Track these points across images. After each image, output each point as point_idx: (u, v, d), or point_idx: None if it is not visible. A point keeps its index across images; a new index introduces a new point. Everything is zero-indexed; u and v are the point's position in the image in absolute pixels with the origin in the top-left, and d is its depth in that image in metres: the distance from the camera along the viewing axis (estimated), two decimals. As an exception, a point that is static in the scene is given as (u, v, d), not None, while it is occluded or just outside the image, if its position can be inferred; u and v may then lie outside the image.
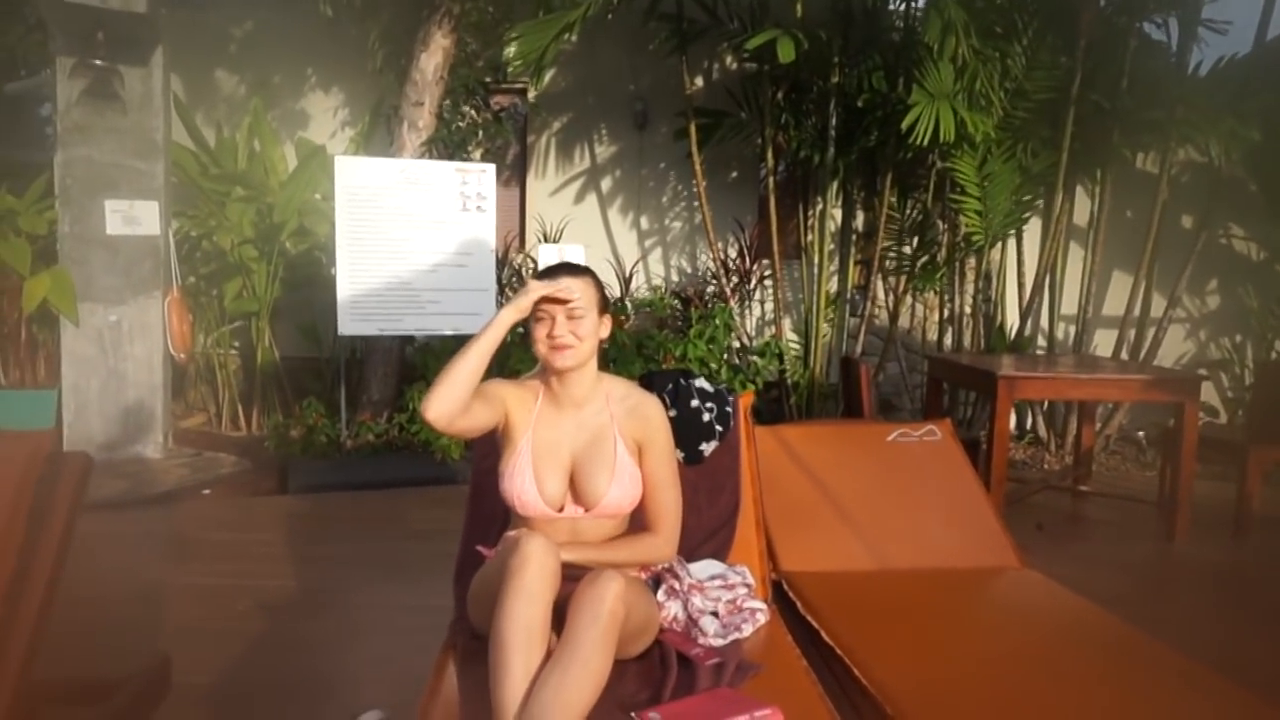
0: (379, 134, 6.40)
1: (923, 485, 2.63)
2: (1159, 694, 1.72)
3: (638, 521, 1.89)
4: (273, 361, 6.16)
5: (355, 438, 5.12)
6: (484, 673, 1.57)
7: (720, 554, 2.12)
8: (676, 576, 1.88)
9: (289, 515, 4.09)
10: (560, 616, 1.58)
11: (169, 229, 5.31)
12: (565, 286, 1.77)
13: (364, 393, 5.58)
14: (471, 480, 2.19)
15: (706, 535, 2.15)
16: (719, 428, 2.31)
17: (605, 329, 1.88)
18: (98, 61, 4.77)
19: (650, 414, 1.89)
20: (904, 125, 4.63)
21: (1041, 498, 4.63)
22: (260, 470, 4.86)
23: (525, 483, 1.79)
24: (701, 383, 2.37)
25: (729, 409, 2.35)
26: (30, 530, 1.37)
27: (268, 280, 6.01)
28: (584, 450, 1.84)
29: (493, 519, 2.09)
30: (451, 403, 1.66)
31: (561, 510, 1.82)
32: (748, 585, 1.98)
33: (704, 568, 1.99)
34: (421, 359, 5.50)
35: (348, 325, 4.79)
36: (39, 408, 5.31)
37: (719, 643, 1.77)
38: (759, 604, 1.94)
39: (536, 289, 1.75)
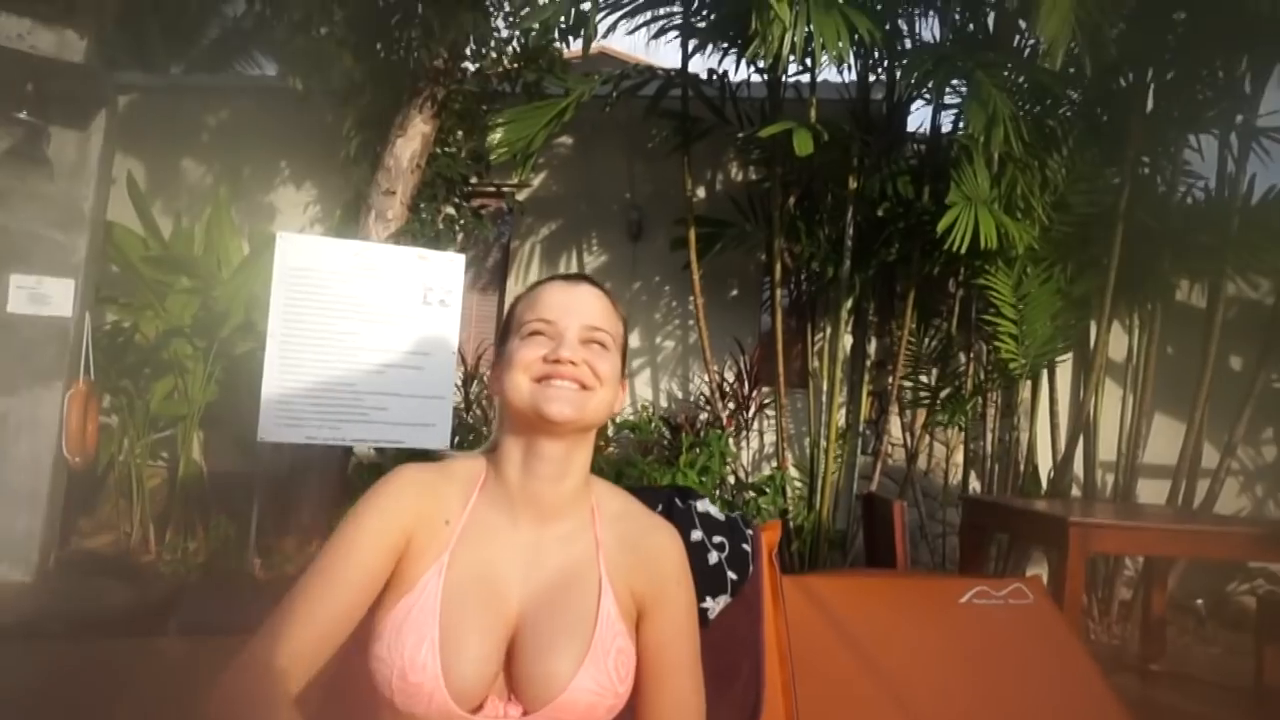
0: (350, 230, 5.84)
1: (1020, 671, 1.82)
2: None
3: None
4: (200, 475, 5.37)
5: (271, 568, 4.24)
6: None
7: (733, 787, 1.29)
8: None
9: (153, 666, 3.18)
10: None
11: (86, 313, 4.61)
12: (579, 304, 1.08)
13: (293, 515, 4.72)
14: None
15: (712, 752, 1.32)
16: (732, 575, 1.52)
17: (620, 401, 1.13)
18: (23, 115, 4.19)
19: (664, 550, 1.14)
20: (940, 228, 4.04)
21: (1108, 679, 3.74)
22: (146, 603, 3.95)
23: (420, 650, 0.96)
24: (706, 505, 1.60)
25: (746, 546, 1.57)
26: None
27: (204, 381, 5.29)
28: (542, 598, 1.04)
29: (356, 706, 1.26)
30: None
31: (480, 710, 0.99)
32: None
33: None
34: (363, 478, 4.68)
35: (271, 430, 3.99)
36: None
37: None
38: None
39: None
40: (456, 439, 4.44)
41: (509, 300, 6.16)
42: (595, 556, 1.07)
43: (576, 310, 1.07)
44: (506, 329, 1.11)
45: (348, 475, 4.91)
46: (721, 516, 1.60)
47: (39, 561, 4.30)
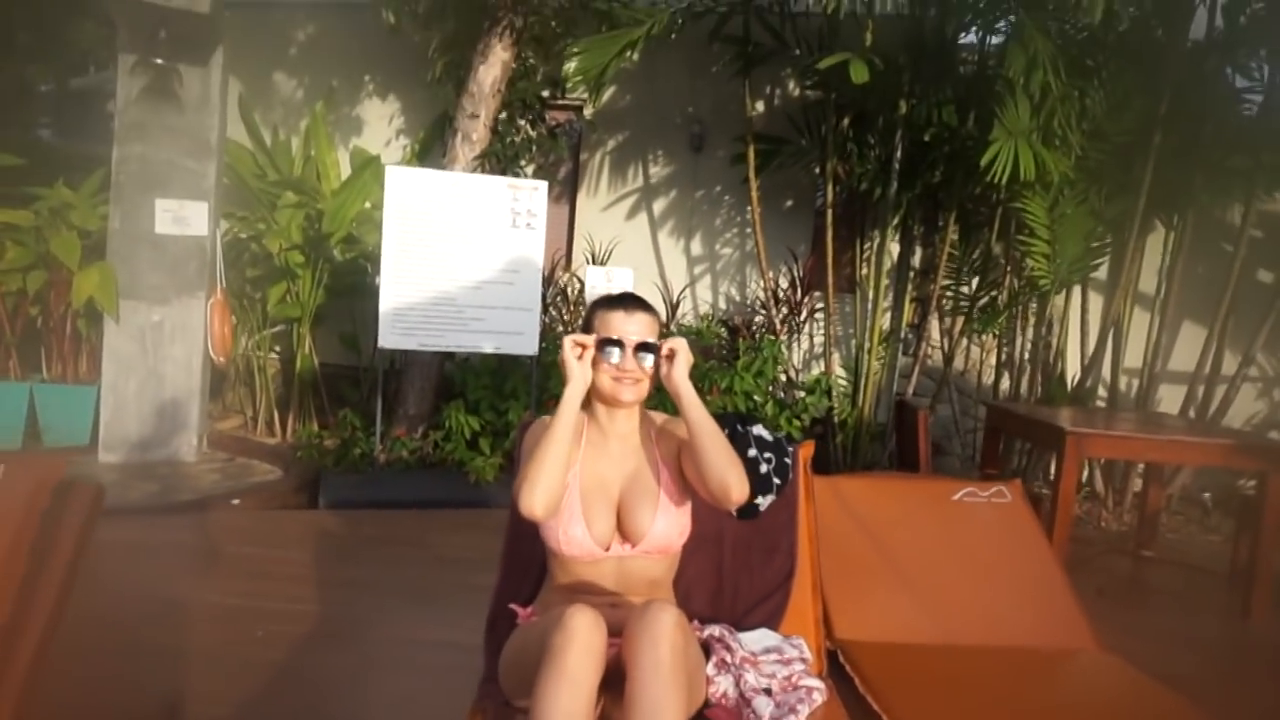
0: (437, 146, 6.34)
1: (991, 552, 2.43)
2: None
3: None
4: (312, 368, 6.11)
5: (389, 452, 5.02)
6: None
7: (773, 620, 1.95)
8: (728, 648, 1.71)
9: (317, 532, 3.99)
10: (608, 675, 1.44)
11: (217, 230, 5.28)
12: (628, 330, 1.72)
13: (400, 407, 5.47)
14: (509, 523, 2.04)
15: (759, 599, 1.98)
16: (777, 480, 2.14)
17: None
18: (158, 60, 4.76)
19: (678, 422, 1.79)
20: (982, 162, 4.43)
21: (1102, 561, 4.36)
22: (291, 481, 4.77)
23: (573, 522, 1.69)
24: (760, 430, 2.21)
25: (788, 460, 2.19)
26: (31, 565, 1.25)
27: (312, 286, 5.96)
28: (630, 482, 1.75)
29: (530, 567, 1.95)
30: (554, 494, 1.62)
31: (608, 549, 1.71)
32: (804, 660, 1.80)
33: (758, 639, 1.82)
34: (460, 376, 5.39)
35: (389, 338, 4.70)
36: (79, 403, 5.29)
37: (773, 728, 1.60)
38: (816, 682, 1.76)
39: (578, 340, 1.71)
40: (544, 345, 5.07)
41: (580, 208, 6.72)
42: (653, 448, 1.79)
43: (631, 331, 1.71)
44: (589, 324, 1.77)
45: (445, 372, 5.61)
46: (771, 438, 2.22)
47: (197, 444, 5.15)
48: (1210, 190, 5.21)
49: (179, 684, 2.28)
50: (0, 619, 1.18)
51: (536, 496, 1.58)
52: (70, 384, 5.40)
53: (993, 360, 6.21)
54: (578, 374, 1.68)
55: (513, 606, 1.79)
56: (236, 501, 4.32)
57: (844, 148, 5.78)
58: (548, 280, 6.17)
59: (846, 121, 5.80)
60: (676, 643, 1.38)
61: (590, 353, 1.70)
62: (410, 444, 5.08)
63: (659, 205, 6.83)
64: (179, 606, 2.98)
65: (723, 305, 6.77)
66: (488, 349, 4.94)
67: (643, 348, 1.70)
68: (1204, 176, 5.10)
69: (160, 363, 5.10)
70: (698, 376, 5.33)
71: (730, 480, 1.63)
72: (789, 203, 6.67)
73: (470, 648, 1.95)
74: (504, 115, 5.75)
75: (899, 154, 5.43)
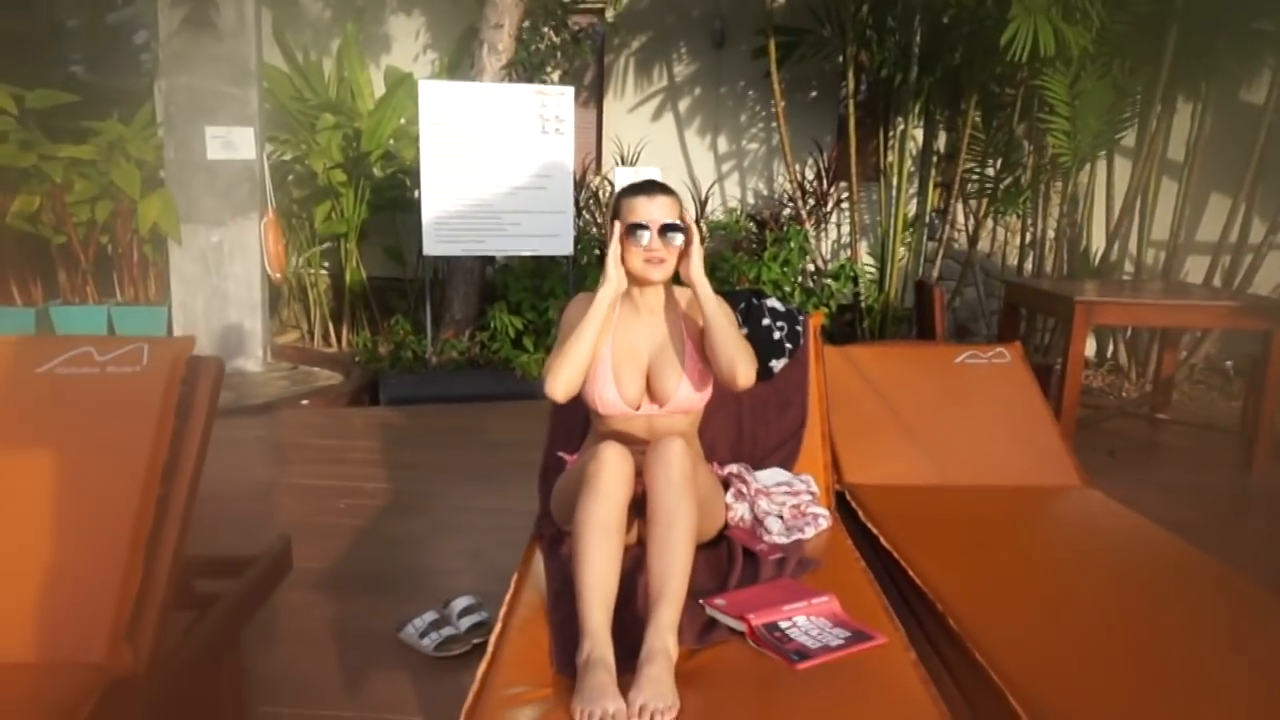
0: (465, 60, 6.47)
1: (989, 405, 2.68)
2: (1201, 604, 1.79)
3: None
4: (360, 281, 6.44)
5: (440, 354, 5.37)
6: (564, 561, 1.75)
7: (787, 464, 2.24)
8: (744, 481, 2.01)
9: (381, 425, 4.37)
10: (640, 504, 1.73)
11: (264, 154, 5.55)
12: (653, 209, 1.87)
13: (447, 311, 5.80)
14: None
15: (774, 446, 2.27)
16: (789, 345, 2.41)
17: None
18: (195, -11, 4.96)
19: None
20: (1002, 41, 4.48)
21: (1116, 424, 4.59)
22: (352, 383, 5.16)
23: (605, 385, 1.92)
24: (773, 302, 2.46)
25: (799, 328, 2.44)
26: (179, 421, 1.57)
27: (355, 203, 6.23)
28: (658, 351, 1.96)
29: (574, 425, 2.25)
30: (575, 383, 1.85)
31: (638, 409, 1.95)
32: (812, 493, 2.10)
33: (771, 475, 2.11)
34: (501, 279, 5.68)
35: (433, 246, 4.99)
36: (153, 323, 5.70)
37: (782, 540, 1.91)
38: (822, 510, 2.06)
39: (614, 238, 1.87)
40: (579, 245, 5.32)
41: (607, 112, 6.85)
42: (680, 323, 1.97)
43: (656, 215, 1.87)
44: (617, 211, 1.92)
45: (487, 278, 5.91)
46: (783, 308, 2.47)
47: (263, 355, 5.56)
48: (1236, 55, 5.18)
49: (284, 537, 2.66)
50: (163, 459, 1.51)
51: (559, 384, 1.82)
52: (143, 305, 5.81)
53: (1018, 241, 6.31)
54: (614, 280, 1.86)
55: (560, 454, 2.10)
56: (305, 402, 4.72)
57: (864, 35, 5.81)
58: (579, 184, 6.36)
59: (866, 8, 5.80)
60: (684, 465, 1.64)
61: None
62: (459, 345, 5.42)
63: (684, 104, 6.92)
64: (269, 486, 3.39)
65: (750, 200, 6.91)
66: (525, 252, 5.21)
67: (668, 228, 1.89)
68: (1230, 41, 5.07)
69: (223, 280, 5.46)
70: (727, 269, 5.57)
71: (739, 368, 1.85)
72: (813, 94, 6.72)
73: (525, 512, 2.22)
74: (527, 24, 5.85)
75: (918, 38, 5.47)
